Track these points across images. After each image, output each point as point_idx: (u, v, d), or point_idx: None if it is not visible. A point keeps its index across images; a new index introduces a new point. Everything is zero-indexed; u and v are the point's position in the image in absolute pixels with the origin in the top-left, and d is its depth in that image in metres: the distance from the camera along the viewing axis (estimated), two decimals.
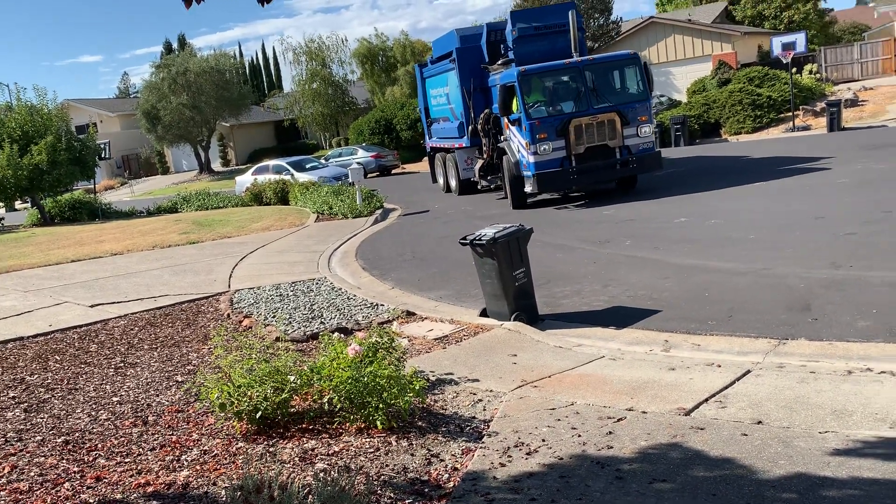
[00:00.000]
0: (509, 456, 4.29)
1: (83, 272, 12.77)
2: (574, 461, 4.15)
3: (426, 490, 3.96)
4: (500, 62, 16.97)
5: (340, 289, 9.63)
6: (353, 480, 3.93)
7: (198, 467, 4.46)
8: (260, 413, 4.83)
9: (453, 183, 20.10)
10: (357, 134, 40.41)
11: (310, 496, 3.65)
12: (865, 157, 16.24)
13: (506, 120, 15.54)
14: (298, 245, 14.19)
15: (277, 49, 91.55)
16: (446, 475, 4.12)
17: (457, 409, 5.12)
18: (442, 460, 4.31)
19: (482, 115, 16.80)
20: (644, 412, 4.76)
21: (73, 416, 5.62)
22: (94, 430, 5.26)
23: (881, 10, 33.33)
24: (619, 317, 7.22)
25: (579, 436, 4.48)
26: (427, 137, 21.92)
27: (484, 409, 5.08)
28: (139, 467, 4.53)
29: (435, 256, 11.83)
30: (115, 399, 5.97)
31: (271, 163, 28.60)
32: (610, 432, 4.49)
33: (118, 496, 4.16)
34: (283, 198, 23.03)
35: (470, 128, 17.69)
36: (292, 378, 5.00)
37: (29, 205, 29.72)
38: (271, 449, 4.65)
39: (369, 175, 31.41)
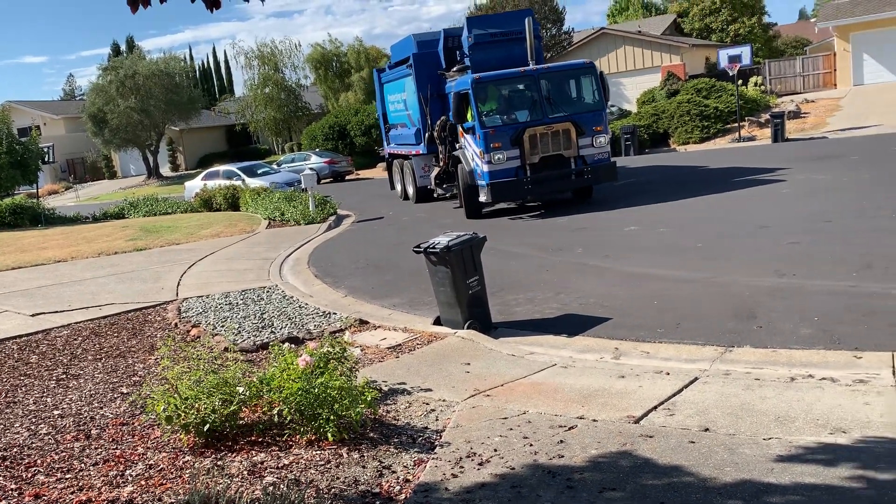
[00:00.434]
0: (461, 467, 4.28)
1: (24, 280, 12.37)
2: (526, 471, 4.16)
3: (377, 503, 3.93)
4: (455, 69, 16.67)
5: (292, 297, 9.51)
6: (303, 494, 3.88)
7: (143, 482, 4.34)
8: (208, 426, 4.72)
9: (410, 190, 19.77)
10: (310, 139, 40.10)
11: None
12: (808, 168, 16.75)
13: (460, 128, 15.37)
14: (249, 252, 13.99)
15: (229, 53, 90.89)
16: (398, 487, 4.09)
17: (409, 420, 5.09)
18: (394, 472, 4.28)
19: (438, 123, 16.56)
20: (595, 420, 4.81)
21: (12, 431, 5.42)
22: (34, 445, 5.09)
23: (821, 25, 34.63)
24: (571, 324, 7.29)
25: (531, 445, 4.50)
26: (385, 143, 21.71)
27: (437, 420, 5.06)
28: (80, 483, 4.39)
29: (389, 264, 11.78)
30: (56, 412, 5.78)
31: (222, 168, 28.18)
32: (561, 441, 4.52)
33: None
34: (234, 203, 22.69)
35: (427, 135, 17.43)
36: (241, 390, 4.91)
37: None
38: (219, 462, 4.55)
39: (323, 181, 31.19)
